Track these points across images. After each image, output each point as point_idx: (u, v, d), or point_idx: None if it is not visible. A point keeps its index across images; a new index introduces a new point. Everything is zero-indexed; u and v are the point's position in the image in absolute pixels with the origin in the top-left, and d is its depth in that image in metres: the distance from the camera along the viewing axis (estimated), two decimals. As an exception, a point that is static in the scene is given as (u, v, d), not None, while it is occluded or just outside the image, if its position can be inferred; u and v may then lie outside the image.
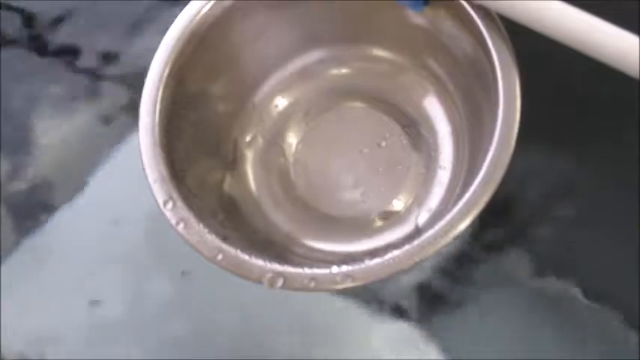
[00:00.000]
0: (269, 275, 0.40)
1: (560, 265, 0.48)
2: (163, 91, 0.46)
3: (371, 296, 0.49)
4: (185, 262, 0.50)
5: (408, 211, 0.49)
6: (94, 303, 0.51)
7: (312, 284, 0.40)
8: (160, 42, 0.47)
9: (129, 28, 0.60)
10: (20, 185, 0.55)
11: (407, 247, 0.40)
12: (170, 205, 0.43)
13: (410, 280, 0.49)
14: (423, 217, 0.48)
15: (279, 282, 0.40)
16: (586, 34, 0.39)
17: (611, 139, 0.50)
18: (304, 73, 0.53)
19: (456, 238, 0.40)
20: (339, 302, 0.49)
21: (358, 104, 0.53)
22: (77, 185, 0.55)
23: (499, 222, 0.49)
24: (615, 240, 0.48)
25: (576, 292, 0.47)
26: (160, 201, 0.43)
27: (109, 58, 0.59)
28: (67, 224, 0.54)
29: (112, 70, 0.58)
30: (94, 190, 0.55)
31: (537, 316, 0.47)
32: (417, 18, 0.48)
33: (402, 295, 0.49)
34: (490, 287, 0.48)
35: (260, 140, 0.52)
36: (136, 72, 0.56)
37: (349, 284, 0.40)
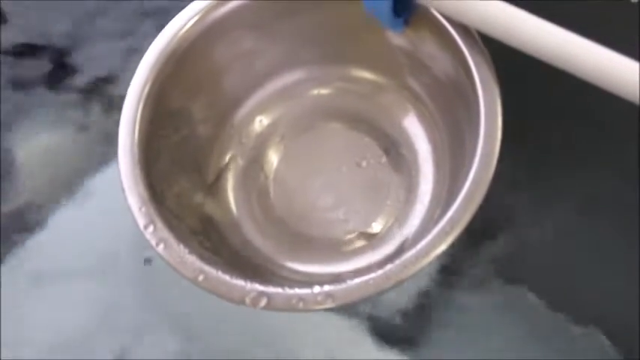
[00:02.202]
0: (252, 295, 0.40)
1: (542, 284, 0.48)
2: (142, 111, 0.46)
3: (352, 315, 0.49)
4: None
5: (389, 231, 0.49)
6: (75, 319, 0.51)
7: (294, 304, 0.40)
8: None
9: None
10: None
11: (389, 266, 0.40)
12: (151, 227, 0.43)
13: (390, 297, 0.49)
14: (404, 236, 0.48)
15: (263, 302, 0.40)
16: (565, 50, 0.40)
17: (598, 152, 0.50)
18: (285, 93, 0.53)
19: (438, 257, 0.40)
20: (320, 319, 0.49)
21: (338, 124, 0.53)
22: (56, 206, 0.54)
23: (482, 238, 0.49)
24: (601, 255, 0.48)
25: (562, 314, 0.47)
26: (140, 223, 0.43)
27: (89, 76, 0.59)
28: (48, 245, 0.54)
29: (94, 89, 0.58)
30: (74, 211, 0.54)
31: (520, 335, 0.47)
32: (398, 38, 0.49)
33: (382, 313, 0.48)
34: (471, 306, 0.48)
35: (240, 161, 0.52)
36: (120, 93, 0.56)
37: (330, 304, 0.40)
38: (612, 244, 0.48)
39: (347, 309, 0.49)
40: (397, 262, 0.40)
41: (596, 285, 0.47)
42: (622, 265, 0.47)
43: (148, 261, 0.51)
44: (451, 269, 0.49)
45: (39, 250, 0.53)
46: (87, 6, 0.62)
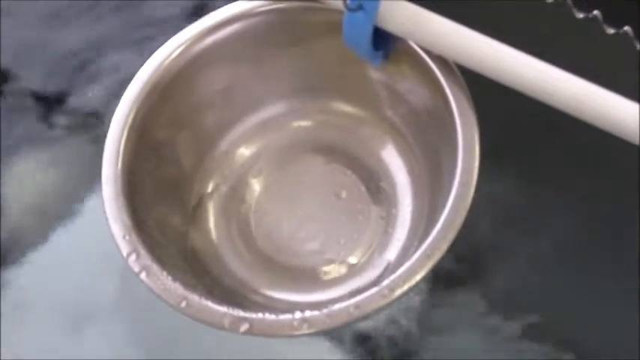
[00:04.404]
0: (233, 320, 0.40)
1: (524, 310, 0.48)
2: (126, 142, 0.47)
3: (331, 341, 0.49)
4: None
5: (368, 261, 0.50)
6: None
7: (274, 330, 0.41)
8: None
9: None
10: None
11: (367, 294, 0.40)
12: (134, 255, 0.43)
13: (368, 326, 0.49)
14: (383, 266, 0.49)
15: (244, 327, 0.40)
16: (543, 83, 0.41)
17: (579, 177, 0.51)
18: (267, 125, 0.54)
19: (416, 285, 0.41)
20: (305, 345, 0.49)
21: (319, 156, 0.54)
22: (44, 238, 0.55)
23: (461, 265, 0.50)
24: (587, 282, 0.49)
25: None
26: (124, 251, 0.43)
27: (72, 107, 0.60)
28: (29, 277, 0.54)
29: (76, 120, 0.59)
30: (61, 241, 0.55)
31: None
32: (377, 71, 0.50)
33: (361, 340, 0.49)
34: (449, 332, 0.49)
35: (222, 191, 0.52)
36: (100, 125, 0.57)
37: (306, 330, 0.40)
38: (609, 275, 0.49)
39: (331, 334, 0.49)
40: (377, 288, 0.40)
41: (593, 319, 0.48)
42: (620, 301, 0.48)
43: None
44: (436, 296, 0.49)
45: (22, 283, 0.54)
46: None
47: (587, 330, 0.47)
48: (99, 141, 0.47)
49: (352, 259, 0.50)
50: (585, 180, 0.50)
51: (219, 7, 0.50)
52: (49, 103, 0.60)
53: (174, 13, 0.62)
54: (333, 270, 0.50)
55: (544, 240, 0.50)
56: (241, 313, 0.41)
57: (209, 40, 0.49)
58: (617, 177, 0.49)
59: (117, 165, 0.46)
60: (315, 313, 0.40)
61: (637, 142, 0.40)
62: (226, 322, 0.41)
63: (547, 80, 0.41)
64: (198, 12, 0.60)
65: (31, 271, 0.54)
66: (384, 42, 0.46)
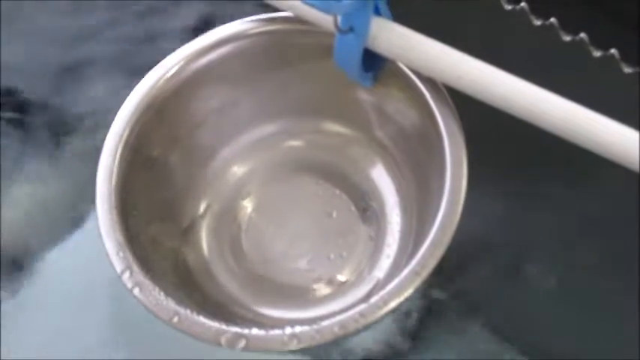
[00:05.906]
0: (227, 336, 0.41)
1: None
2: (120, 159, 0.47)
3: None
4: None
5: (358, 279, 0.50)
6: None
7: (263, 345, 0.41)
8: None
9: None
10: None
11: (355, 309, 0.41)
12: (127, 272, 0.43)
13: (357, 342, 0.50)
14: (373, 284, 0.49)
15: (235, 342, 0.41)
16: (532, 104, 0.41)
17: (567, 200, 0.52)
18: (259, 145, 0.54)
19: (405, 301, 0.41)
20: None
21: (310, 176, 0.54)
22: (40, 256, 0.55)
23: (451, 285, 0.50)
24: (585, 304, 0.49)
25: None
26: (117, 267, 0.44)
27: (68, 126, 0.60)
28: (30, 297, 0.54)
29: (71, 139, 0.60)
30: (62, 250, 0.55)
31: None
32: (367, 92, 0.51)
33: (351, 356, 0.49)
34: (446, 350, 0.49)
35: (214, 209, 0.53)
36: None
37: (295, 346, 0.41)
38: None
39: (321, 352, 0.50)
40: (366, 304, 0.41)
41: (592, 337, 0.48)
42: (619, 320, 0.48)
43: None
44: (425, 311, 0.50)
45: (22, 289, 0.54)
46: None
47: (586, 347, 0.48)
48: (97, 156, 0.48)
49: (342, 277, 0.51)
50: (579, 195, 0.51)
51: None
52: (50, 117, 0.61)
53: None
54: (323, 287, 0.51)
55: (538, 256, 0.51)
56: (232, 329, 0.41)
57: (204, 60, 0.50)
58: (612, 192, 0.50)
59: (111, 182, 0.47)
60: (305, 328, 0.41)
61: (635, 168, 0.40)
62: (217, 337, 0.41)
63: (537, 104, 0.41)
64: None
65: (32, 279, 0.54)
66: (373, 63, 0.47)
